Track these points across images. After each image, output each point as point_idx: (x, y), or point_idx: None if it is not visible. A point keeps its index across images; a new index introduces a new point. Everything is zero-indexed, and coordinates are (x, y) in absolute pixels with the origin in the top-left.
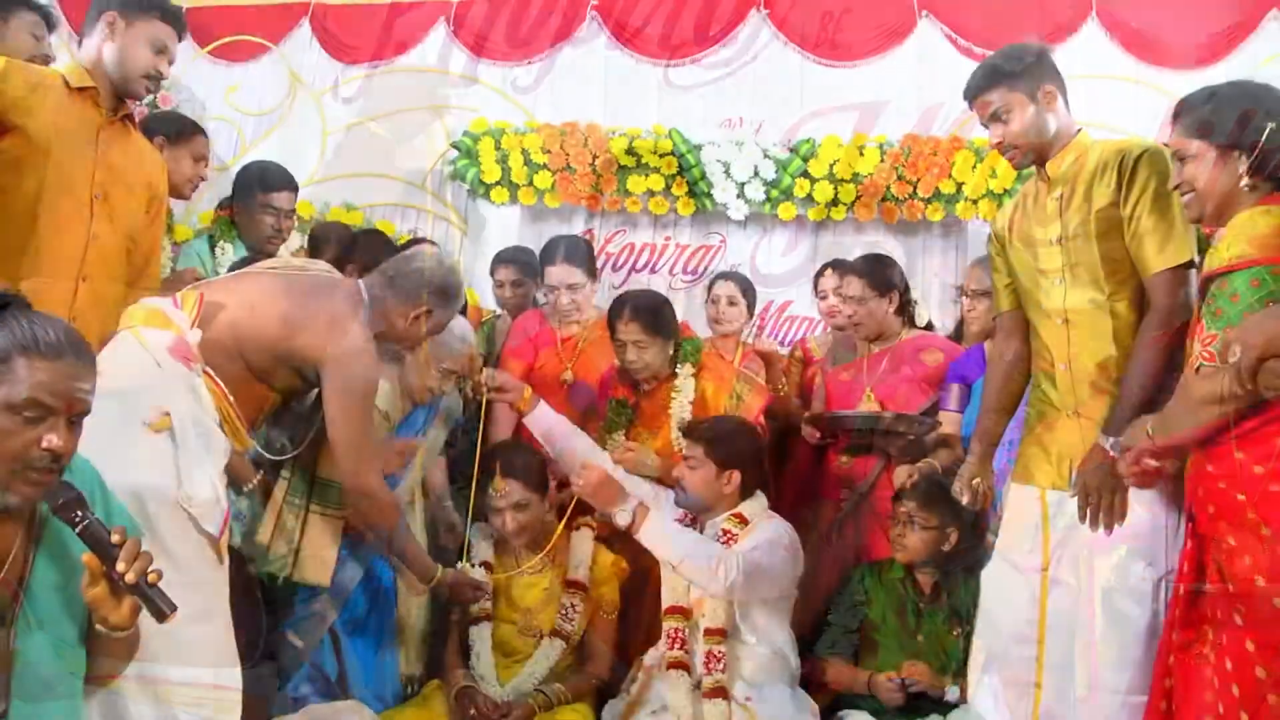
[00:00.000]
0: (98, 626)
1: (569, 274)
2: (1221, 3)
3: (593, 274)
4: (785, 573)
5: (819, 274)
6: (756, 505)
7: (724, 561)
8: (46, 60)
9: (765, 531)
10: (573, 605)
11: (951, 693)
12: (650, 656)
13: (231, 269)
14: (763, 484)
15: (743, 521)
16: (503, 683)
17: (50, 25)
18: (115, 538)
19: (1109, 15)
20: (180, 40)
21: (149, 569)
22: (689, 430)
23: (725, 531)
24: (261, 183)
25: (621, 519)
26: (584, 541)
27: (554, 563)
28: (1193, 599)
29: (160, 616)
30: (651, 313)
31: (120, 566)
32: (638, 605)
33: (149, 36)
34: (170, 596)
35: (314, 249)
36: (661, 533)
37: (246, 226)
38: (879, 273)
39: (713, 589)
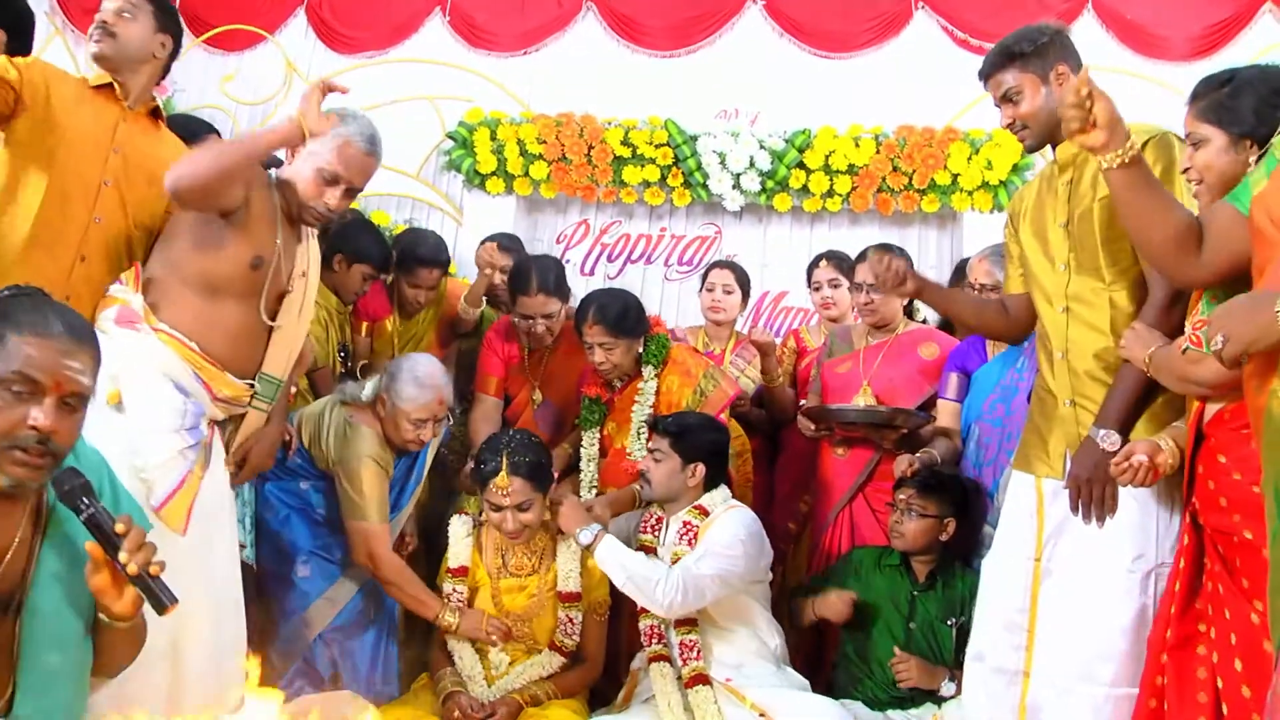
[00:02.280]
0: (101, 617)
1: (545, 304)
2: None
3: (566, 297)
4: (744, 567)
5: (814, 265)
6: (718, 496)
7: (662, 584)
8: None
9: (722, 529)
10: (570, 619)
11: (947, 688)
12: (636, 660)
13: None
14: (728, 478)
15: (704, 513)
16: (490, 684)
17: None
18: (120, 527)
19: (1105, 8)
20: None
21: (152, 560)
22: (654, 424)
23: (686, 524)
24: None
25: (584, 537)
26: (572, 549)
27: (540, 567)
28: (1190, 595)
29: (160, 609)
30: (614, 315)
31: (123, 557)
32: (628, 602)
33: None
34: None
35: (349, 255)
36: (613, 557)
37: None
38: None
39: (655, 610)
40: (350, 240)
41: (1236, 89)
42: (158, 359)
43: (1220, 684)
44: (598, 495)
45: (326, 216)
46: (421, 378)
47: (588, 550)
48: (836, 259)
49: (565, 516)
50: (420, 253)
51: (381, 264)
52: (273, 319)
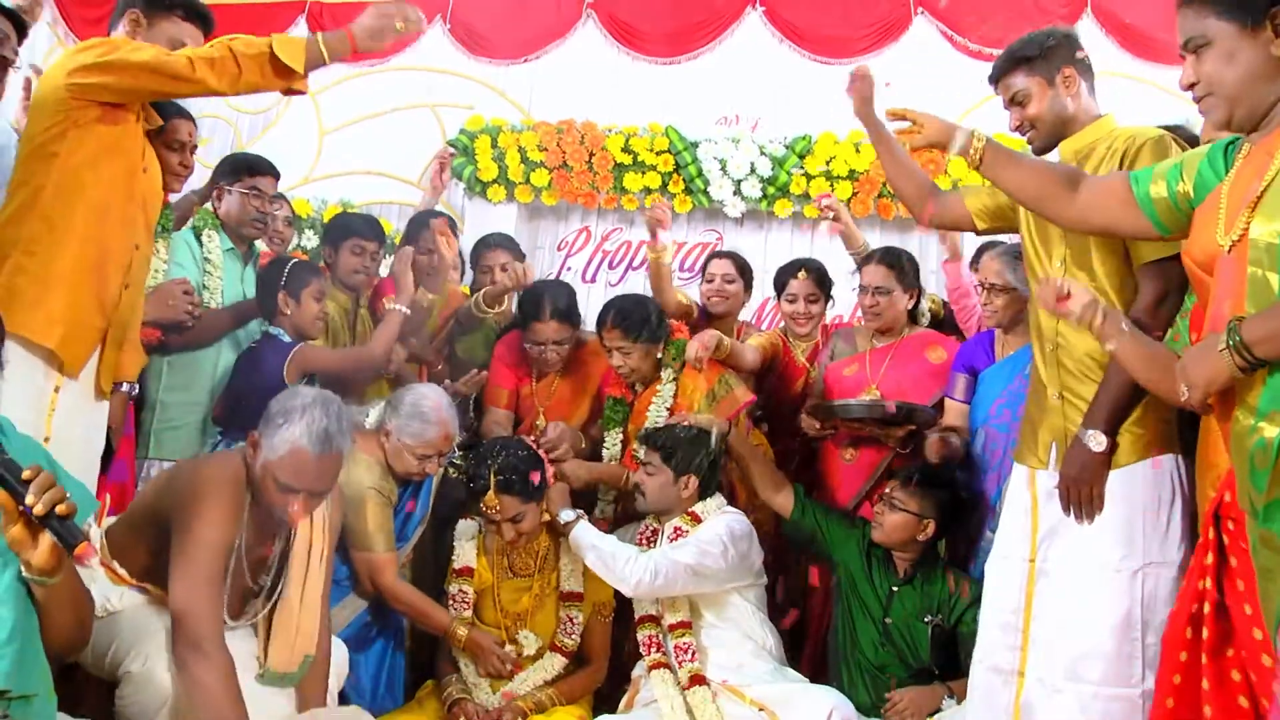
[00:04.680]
0: (24, 575)
1: (558, 331)
2: None
3: (577, 324)
4: (724, 565)
5: (791, 274)
6: (711, 504)
7: (631, 562)
8: None
9: (706, 530)
10: (571, 619)
11: (948, 704)
12: (638, 669)
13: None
14: (723, 487)
15: (696, 520)
16: (495, 690)
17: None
18: (26, 473)
19: (1104, 11)
20: (207, 37)
21: (60, 501)
22: (646, 438)
23: (677, 529)
24: (248, 168)
25: (565, 516)
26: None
27: (544, 567)
28: (1220, 593)
29: (70, 548)
30: (630, 320)
31: (29, 499)
32: (630, 606)
33: (170, 36)
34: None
35: (335, 237)
36: (586, 537)
37: (231, 213)
38: (906, 267)
39: (623, 589)
40: (330, 231)
41: None
42: (105, 593)
43: (1254, 678)
44: (616, 495)
45: (296, 520)
46: (427, 413)
47: (564, 530)
48: (817, 274)
49: (551, 499)
50: (426, 217)
51: (366, 232)
52: (238, 618)
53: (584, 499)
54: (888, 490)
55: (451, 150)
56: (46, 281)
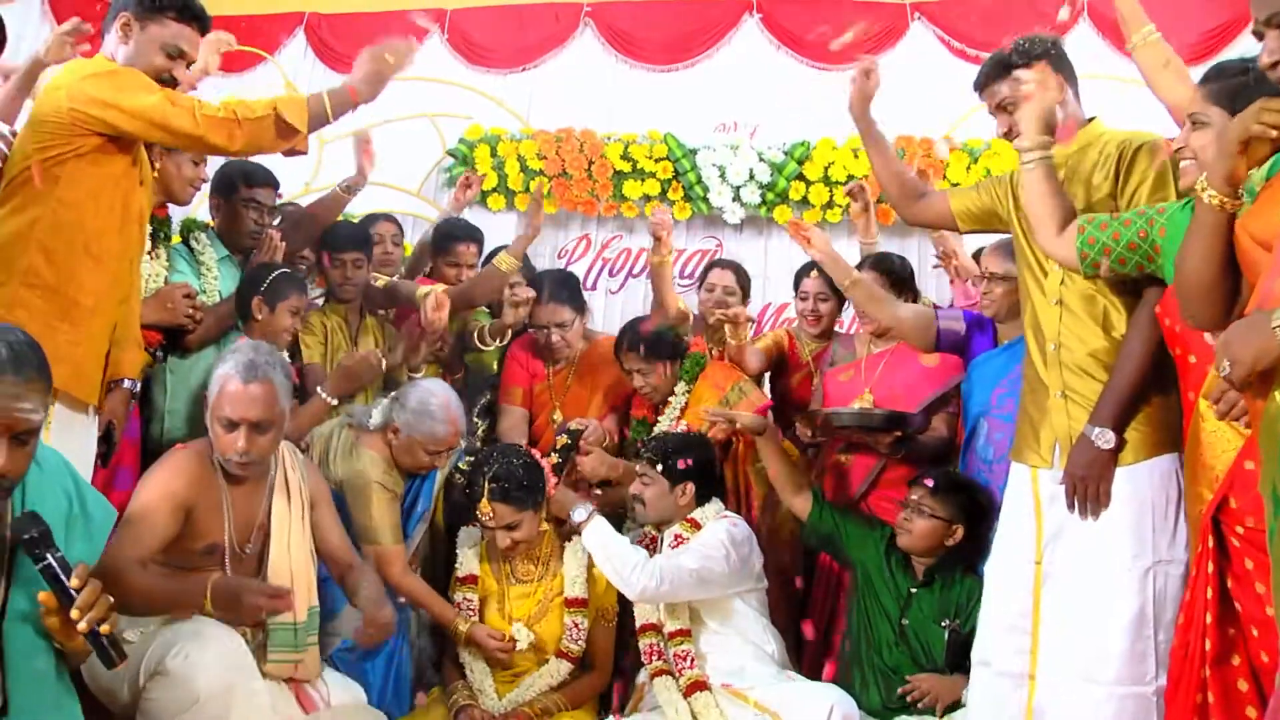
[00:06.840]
0: (56, 644)
1: (556, 313)
2: (1211, 2)
3: (580, 309)
4: (726, 569)
5: (805, 273)
6: (710, 509)
7: (639, 568)
8: None
9: (707, 535)
10: (577, 625)
11: (967, 696)
12: (641, 675)
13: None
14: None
15: (695, 526)
16: (501, 696)
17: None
18: (74, 581)
19: (1101, 16)
20: (203, 35)
21: (104, 619)
22: (638, 450)
23: (677, 537)
24: (245, 178)
25: (578, 514)
26: (578, 555)
27: (547, 573)
28: (1223, 602)
29: (109, 666)
30: (647, 341)
31: (74, 614)
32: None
33: (161, 40)
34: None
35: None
36: (598, 536)
37: (228, 223)
38: (898, 273)
39: (628, 593)
40: (319, 243)
41: (1259, 80)
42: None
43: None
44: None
45: (248, 464)
46: (435, 411)
47: (578, 528)
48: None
49: (556, 503)
50: (455, 231)
51: (339, 245)
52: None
53: (613, 517)
54: (915, 497)
55: (480, 174)
56: (49, 320)
